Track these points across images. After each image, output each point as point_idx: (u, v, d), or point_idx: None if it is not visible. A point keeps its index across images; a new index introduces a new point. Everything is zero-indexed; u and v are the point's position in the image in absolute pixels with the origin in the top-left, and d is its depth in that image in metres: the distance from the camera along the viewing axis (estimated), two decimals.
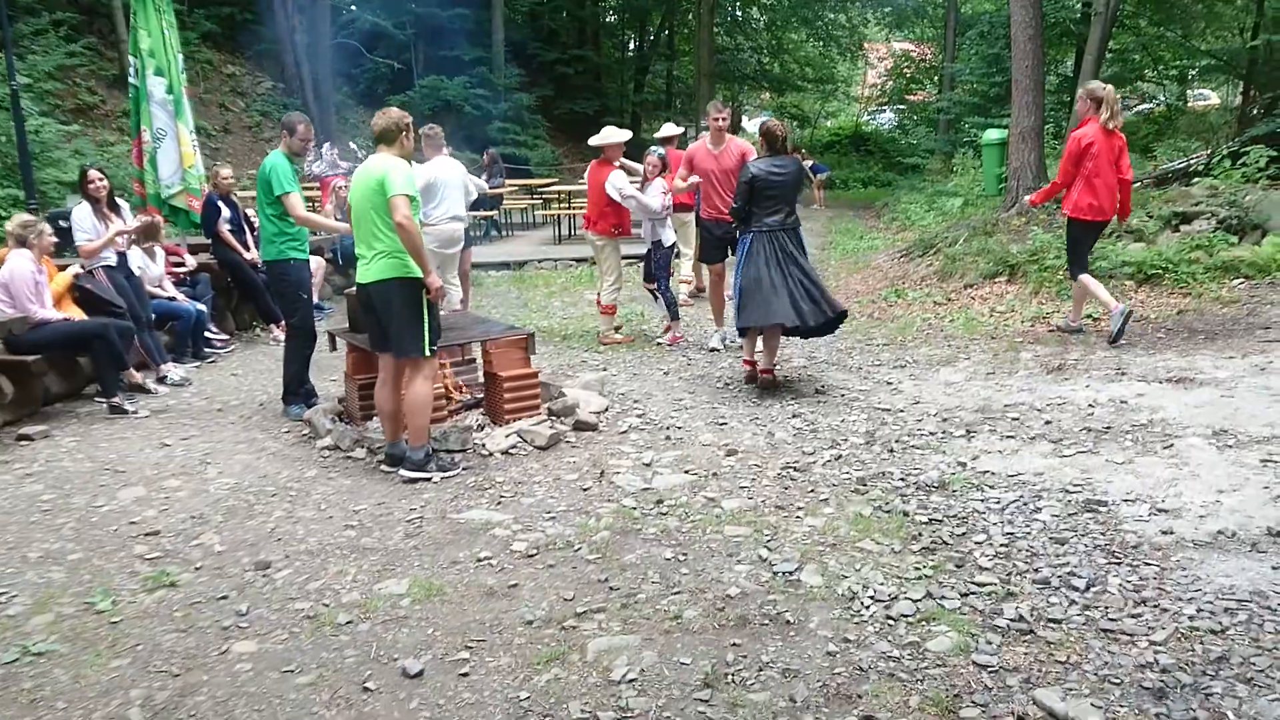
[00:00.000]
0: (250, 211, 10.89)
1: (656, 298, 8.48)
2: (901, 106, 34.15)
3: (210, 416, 6.44)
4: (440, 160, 7.99)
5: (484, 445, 5.38)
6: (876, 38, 36.78)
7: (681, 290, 10.36)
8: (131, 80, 10.09)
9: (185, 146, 10.01)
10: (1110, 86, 7.25)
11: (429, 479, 4.92)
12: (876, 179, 29.54)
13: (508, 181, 17.65)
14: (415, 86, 24.94)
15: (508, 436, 5.46)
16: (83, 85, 19.00)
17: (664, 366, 7.37)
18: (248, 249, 9.00)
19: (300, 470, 5.23)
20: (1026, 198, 8.38)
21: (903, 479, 4.61)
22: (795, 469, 4.85)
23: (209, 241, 9.08)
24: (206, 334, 8.47)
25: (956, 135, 22.57)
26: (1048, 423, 5.35)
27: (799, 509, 4.31)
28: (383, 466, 5.15)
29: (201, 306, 8.21)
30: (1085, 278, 7.21)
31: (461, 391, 6.25)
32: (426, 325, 4.88)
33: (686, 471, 4.89)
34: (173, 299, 8.00)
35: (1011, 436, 5.18)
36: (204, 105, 21.81)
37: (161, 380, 7.33)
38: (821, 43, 33.68)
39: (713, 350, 7.77)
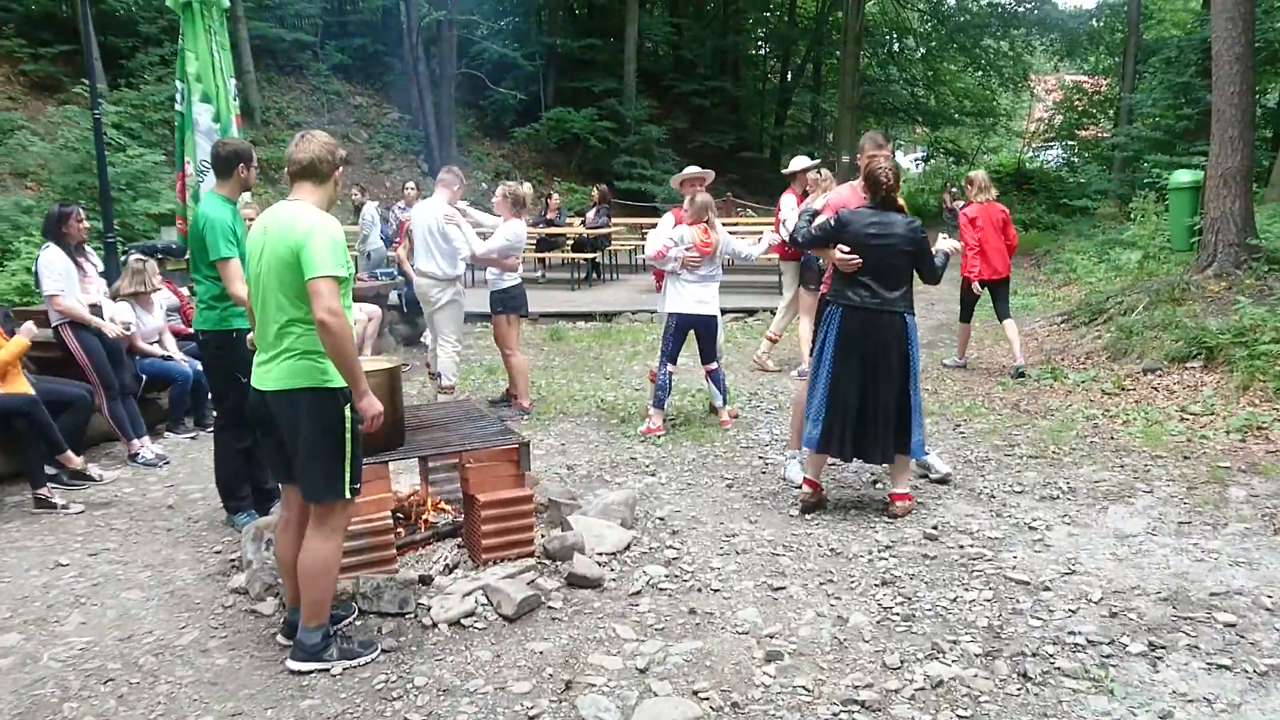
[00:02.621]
0: None
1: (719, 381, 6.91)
2: (1071, 142, 31.13)
3: (150, 518, 5.18)
4: (424, 203, 7.29)
5: (429, 610, 3.84)
6: (1044, 69, 33.93)
7: (762, 347, 8.97)
8: (177, 107, 9.21)
9: None
10: (981, 171, 9.02)
11: (326, 670, 3.41)
12: (1039, 221, 26.76)
13: (614, 220, 16.25)
14: (541, 119, 24.07)
15: (465, 597, 3.90)
16: None
17: (731, 474, 5.67)
18: None
19: (180, 629, 3.82)
20: (975, 287, 8.45)
21: None
22: (863, 705, 3.08)
23: None
24: None
25: (1134, 175, 19.85)
26: None
27: None
28: (279, 637, 3.68)
29: (200, 366, 7.04)
30: (963, 326, 8.88)
31: (439, 510, 4.76)
32: (348, 459, 3.38)
33: (695, 693, 3.19)
34: (168, 358, 6.87)
35: (1226, 664, 3.24)
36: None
37: (133, 458, 6.19)
38: (981, 73, 31.14)
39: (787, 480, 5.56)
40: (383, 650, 3.53)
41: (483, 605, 3.87)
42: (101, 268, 6.66)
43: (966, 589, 3.95)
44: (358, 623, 3.77)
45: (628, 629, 3.67)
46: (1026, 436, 6.23)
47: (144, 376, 6.69)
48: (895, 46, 33.81)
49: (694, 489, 5.43)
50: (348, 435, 3.34)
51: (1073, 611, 3.69)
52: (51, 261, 6.00)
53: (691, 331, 6.65)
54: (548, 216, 15.01)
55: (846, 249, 4.78)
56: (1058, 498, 5.04)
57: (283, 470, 3.56)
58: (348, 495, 3.38)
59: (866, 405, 4.78)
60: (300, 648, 3.42)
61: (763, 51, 35.04)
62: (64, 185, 12.83)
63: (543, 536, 4.52)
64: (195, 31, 9.03)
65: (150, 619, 3.92)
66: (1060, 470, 5.51)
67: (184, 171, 9.03)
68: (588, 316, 11.81)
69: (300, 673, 3.39)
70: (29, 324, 5.83)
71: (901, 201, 4.93)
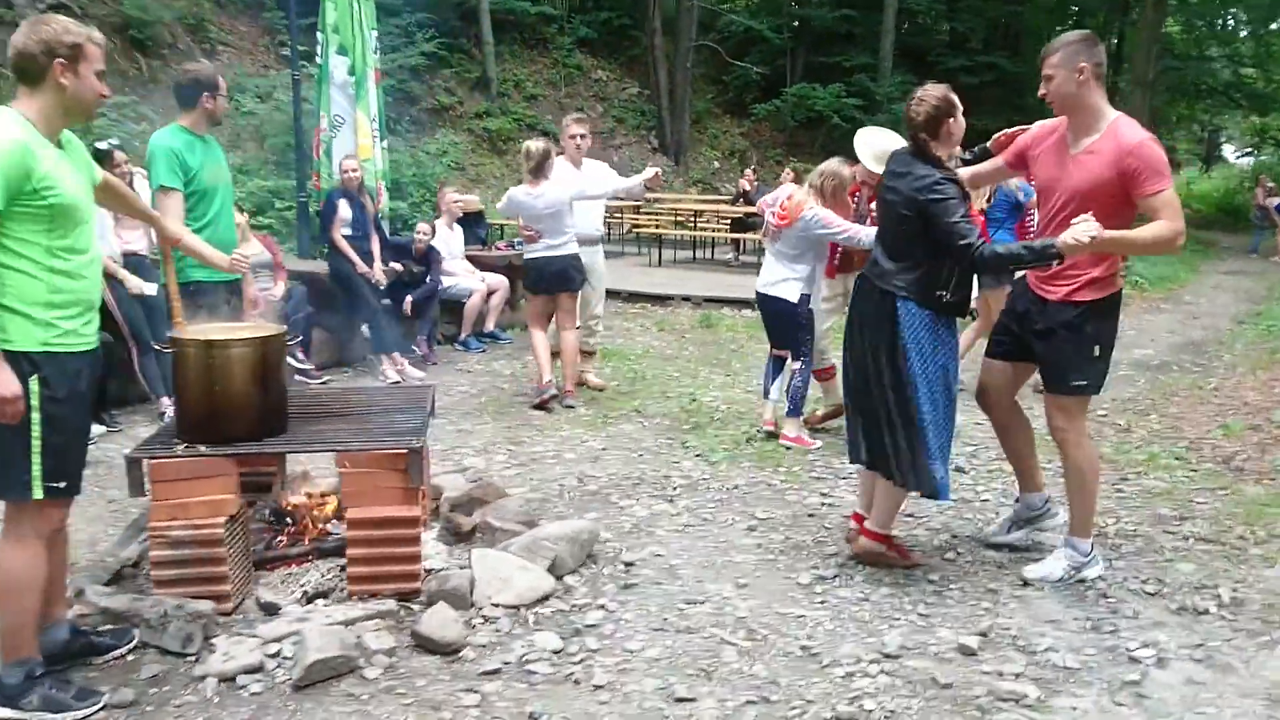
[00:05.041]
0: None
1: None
2: None
3: (123, 484, 4.73)
4: None
5: (211, 651, 2.96)
6: None
7: None
8: (317, 60, 9.00)
9: (363, 136, 8.72)
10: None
11: None
12: None
13: None
14: (784, 95, 22.66)
15: (266, 644, 2.98)
16: (440, 86, 19.30)
17: (767, 512, 4.37)
18: (369, 261, 7.35)
19: None
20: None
21: None
22: None
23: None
24: (292, 361, 6.92)
25: None
26: None
27: None
28: None
29: None
30: None
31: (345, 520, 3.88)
32: (36, 447, 2.57)
33: None
34: None
35: None
36: (562, 110, 21.37)
37: (162, 416, 5.85)
38: None
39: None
40: (103, 706, 2.70)
41: (283, 659, 2.94)
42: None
43: None
44: (129, 657, 2.98)
45: None
46: (1212, 508, 4.40)
47: None
48: (1222, 19, 29.03)
49: (705, 527, 4.20)
50: (35, 416, 2.52)
51: None
52: None
53: None
54: (743, 190, 13.79)
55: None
56: (1206, 613, 3.33)
57: None
58: (39, 494, 2.57)
59: (862, 398, 3.68)
60: None
61: (1061, 25, 31.34)
62: (272, 145, 13.34)
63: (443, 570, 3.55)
64: None
65: None
66: (1236, 567, 3.73)
67: (320, 126, 8.88)
68: (749, 304, 10.55)
69: None
70: None
71: (946, 152, 3.51)
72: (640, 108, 22.32)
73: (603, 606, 3.38)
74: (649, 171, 6.37)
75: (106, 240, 5.78)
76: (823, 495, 4.61)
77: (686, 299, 10.79)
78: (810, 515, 4.34)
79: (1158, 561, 3.79)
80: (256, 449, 3.40)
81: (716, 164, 22.50)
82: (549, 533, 3.67)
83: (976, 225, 3.43)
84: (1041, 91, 3.45)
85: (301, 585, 3.45)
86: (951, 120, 3.45)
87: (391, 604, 3.26)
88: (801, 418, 5.53)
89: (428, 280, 7.80)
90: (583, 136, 6.37)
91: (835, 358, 5.84)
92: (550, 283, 6.17)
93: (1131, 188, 3.25)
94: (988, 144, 3.91)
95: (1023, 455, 3.87)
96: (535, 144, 6.10)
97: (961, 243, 3.31)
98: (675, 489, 4.69)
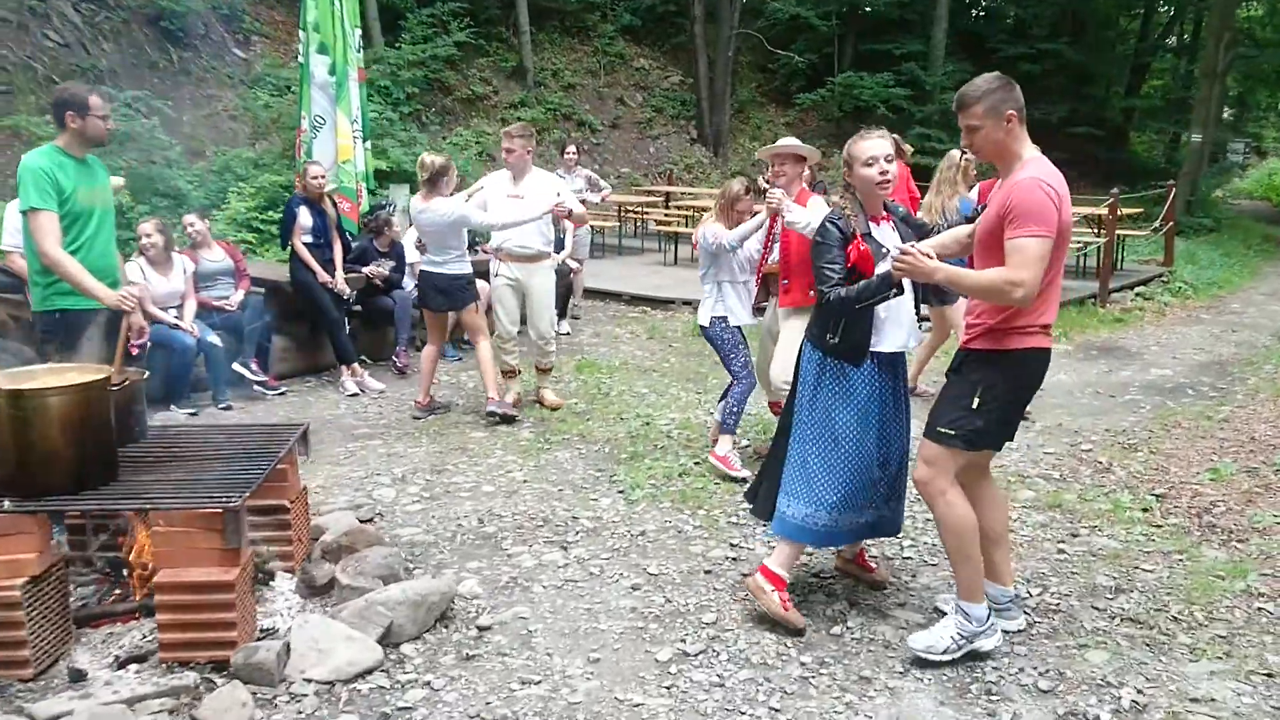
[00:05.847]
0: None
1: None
2: None
3: None
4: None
5: None
6: None
7: None
8: (299, 59, 8.83)
9: (343, 137, 8.55)
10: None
11: None
12: None
13: None
14: (829, 84, 21.97)
15: None
16: (475, 75, 19.13)
17: (661, 566, 4.04)
18: (331, 270, 7.18)
19: None
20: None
21: None
22: None
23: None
24: (245, 373, 6.79)
25: None
26: None
27: None
28: None
29: (215, 339, 6.50)
30: None
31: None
32: None
33: None
34: (175, 325, 6.38)
35: None
36: (600, 99, 21.12)
37: None
38: None
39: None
40: None
41: None
42: None
43: None
44: None
45: None
46: (1157, 578, 3.94)
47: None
48: None
49: (588, 583, 3.90)
50: None
51: None
52: (12, 215, 5.65)
53: None
54: (763, 187, 13.31)
55: None
56: None
57: None
58: None
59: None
60: None
61: (1132, 12, 29.90)
62: (287, 138, 13.30)
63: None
64: None
65: None
66: (1155, 659, 3.29)
67: (300, 128, 8.73)
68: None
69: None
70: None
71: (865, 198, 3.43)
72: (681, 97, 21.89)
73: (429, 684, 3.11)
74: (558, 197, 6.08)
75: None
76: (731, 546, 4.26)
77: (687, 303, 10.42)
78: (707, 572, 4.00)
79: (1068, 648, 3.37)
80: (66, 505, 3.21)
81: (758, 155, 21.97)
82: (388, 597, 3.40)
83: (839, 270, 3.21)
84: (965, 143, 3.16)
85: (120, 646, 3.26)
86: (847, 171, 3.39)
87: (191, 678, 3.03)
88: (733, 436, 5.25)
89: (395, 271, 7.71)
90: (509, 151, 6.11)
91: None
92: (431, 299, 6.19)
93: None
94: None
95: (986, 536, 3.32)
96: (434, 157, 6.05)
97: (819, 286, 3.28)
98: (577, 534, 4.39)
